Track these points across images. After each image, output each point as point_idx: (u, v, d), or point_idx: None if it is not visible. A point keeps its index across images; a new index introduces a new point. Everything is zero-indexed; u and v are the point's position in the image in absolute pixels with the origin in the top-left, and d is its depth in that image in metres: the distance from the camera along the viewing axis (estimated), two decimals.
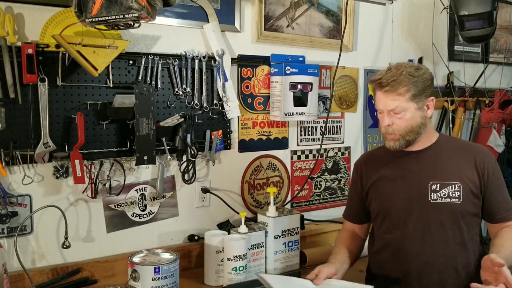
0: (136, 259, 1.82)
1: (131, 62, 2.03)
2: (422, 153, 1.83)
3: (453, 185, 1.74)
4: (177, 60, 2.12)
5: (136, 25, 1.71)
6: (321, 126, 2.68)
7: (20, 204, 1.85)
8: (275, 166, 2.52)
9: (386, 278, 1.82)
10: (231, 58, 2.28)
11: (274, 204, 2.19)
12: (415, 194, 1.77)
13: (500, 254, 1.58)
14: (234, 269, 1.97)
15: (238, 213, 2.21)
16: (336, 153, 2.77)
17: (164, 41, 2.12)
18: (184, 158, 2.16)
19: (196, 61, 2.17)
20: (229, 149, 2.34)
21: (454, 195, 1.73)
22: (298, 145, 2.61)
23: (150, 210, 2.15)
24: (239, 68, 2.35)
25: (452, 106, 3.17)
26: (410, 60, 2.99)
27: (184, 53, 2.14)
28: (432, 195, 1.75)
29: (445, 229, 1.73)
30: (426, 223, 1.74)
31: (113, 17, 1.59)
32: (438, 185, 1.75)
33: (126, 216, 2.09)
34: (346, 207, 2.06)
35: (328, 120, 2.69)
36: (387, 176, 1.85)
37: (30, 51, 1.75)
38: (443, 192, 1.74)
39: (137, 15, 1.59)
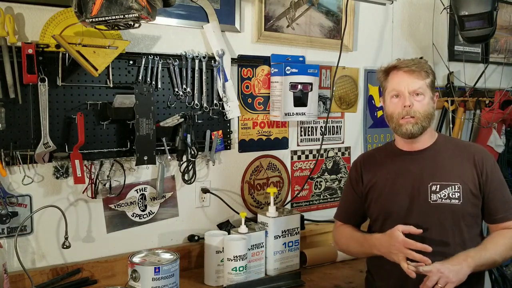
0: (136, 259, 1.82)
1: (131, 62, 2.03)
2: (421, 153, 1.83)
3: (453, 186, 1.74)
4: (177, 60, 2.12)
5: (136, 25, 1.71)
6: (321, 126, 2.68)
7: (20, 204, 1.85)
8: (275, 166, 2.53)
9: (386, 279, 1.82)
10: (231, 58, 2.28)
11: (274, 204, 2.20)
12: (415, 194, 1.77)
13: (476, 253, 1.65)
14: (234, 269, 1.97)
15: (238, 213, 2.21)
16: (336, 153, 2.77)
17: (164, 41, 2.12)
18: (184, 158, 2.16)
19: (196, 61, 2.17)
20: (229, 149, 2.34)
21: (454, 196, 1.73)
22: (298, 145, 2.61)
23: (150, 210, 2.15)
24: (239, 68, 2.35)
25: (452, 106, 3.17)
26: None
27: (184, 53, 2.14)
28: (432, 196, 1.75)
29: (445, 230, 1.73)
30: (427, 225, 1.73)
31: (113, 17, 1.59)
32: (438, 186, 1.75)
33: (126, 216, 2.09)
34: (340, 209, 2.02)
35: (328, 120, 2.69)
36: (387, 177, 1.85)
37: (30, 51, 1.75)
38: (443, 193, 1.74)
39: (137, 15, 1.59)
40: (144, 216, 2.14)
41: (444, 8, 2.88)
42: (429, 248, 1.61)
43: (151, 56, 2.05)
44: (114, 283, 1.97)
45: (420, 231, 1.65)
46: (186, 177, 2.19)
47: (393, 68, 1.79)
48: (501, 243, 1.71)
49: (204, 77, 2.19)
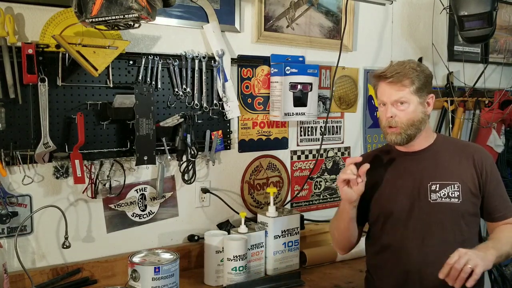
0: (136, 259, 1.82)
1: (131, 62, 2.03)
2: (421, 153, 1.83)
3: (452, 185, 1.74)
4: (177, 60, 2.12)
5: (136, 25, 1.71)
6: (321, 126, 2.68)
7: (20, 204, 1.86)
8: (275, 166, 2.53)
9: (387, 279, 1.82)
10: (231, 58, 2.28)
11: (274, 204, 2.20)
12: (415, 194, 1.77)
13: (494, 244, 1.63)
14: (234, 269, 1.98)
15: (238, 213, 2.21)
16: (336, 153, 2.77)
17: (164, 41, 2.12)
18: (184, 158, 2.17)
19: (196, 61, 2.17)
20: (229, 149, 2.34)
21: (453, 195, 1.74)
22: (298, 145, 2.61)
23: (150, 210, 2.15)
24: (239, 68, 2.36)
25: (451, 106, 3.17)
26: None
27: (184, 53, 2.14)
28: (432, 196, 1.75)
29: (445, 229, 1.73)
30: (427, 224, 1.74)
31: (113, 17, 1.59)
32: (438, 185, 1.75)
33: (126, 216, 2.09)
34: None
35: (328, 120, 2.69)
36: (387, 177, 1.85)
37: (30, 51, 1.75)
38: (442, 192, 1.75)
39: (137, 15, 1.59)
40: (144, 216, 2.14)
41: (444, 8, 2.89)
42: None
43: (151, 56, 2.05)
44: (114, 283, 1.97)
45: (360, 158, 1.73)
46: (186, 177, 2.19)
47: (380, 77, 1.79)
48: (510, 236, 1.72)
49: (204, 77, 2.19)
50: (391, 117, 1.75)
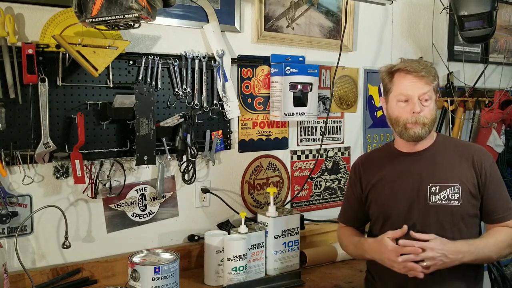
0: (136, 259, 1.82)
1: (131, 62, 2.03)
2: (421, 154, 1.82)
3: (452, 187, 1.73)
4: (177, 60, 2.12)
5: (136, 25, 1.71)
6: (321, 126, 2.68)
7: (20, 204, 1.86)
8: (275, 166, 2.53)
9: (387, 279, 1.82)
10: (231, 58, 2.28)
11: (274, 204, 2.20)
12: (414, 196, 1.77)
13: (476, 247, 1.67)
14: (234, 269, 1.98)
15: (238, 213, 2.21)
16: (336, 153, 2.77)
17: (164, 41, 2.12)
18: (184, 158, 2.17)
19: (196, 61, 2.17)
20: (229, 149, 2.34)
21: (453, 197, 1.73)
22: (298, 145, 2.61)
23: (150, 210, 2.15)
24: (239, 68, 2.36)
25: (452, 106, 3.17)
26: None
27: (184, 53, 2.14)
28: (431, 198, 1.74)
29: (445, 230, 1.72)
30: (426, 225, 1.73)
31: (113, 17, 1.59)
32: (438, 187, 1.75)
33: (126, 216, 2.09)
34: (342, 211, 2.03)
35: (328, 120, 2.69)
36: (386, 178, 1.84)
37: (30, 51, 1.75)
38: (442, 194, 1.74)
39: (137, 15, 1.59)
40: (144, 216, 2.14)
41: (444, 8, 2.89)
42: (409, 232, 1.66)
43: (151, 56, 2.05)
44: (114, 283, 1.97)
45: (405, 228, 1.67)
46: (186, 177, 2.19)
47: (401, 71, 1.76)
48: (500, 240, 1.72)
49: (204, 77, 2.20)
50: (419, 112, 1.72)
